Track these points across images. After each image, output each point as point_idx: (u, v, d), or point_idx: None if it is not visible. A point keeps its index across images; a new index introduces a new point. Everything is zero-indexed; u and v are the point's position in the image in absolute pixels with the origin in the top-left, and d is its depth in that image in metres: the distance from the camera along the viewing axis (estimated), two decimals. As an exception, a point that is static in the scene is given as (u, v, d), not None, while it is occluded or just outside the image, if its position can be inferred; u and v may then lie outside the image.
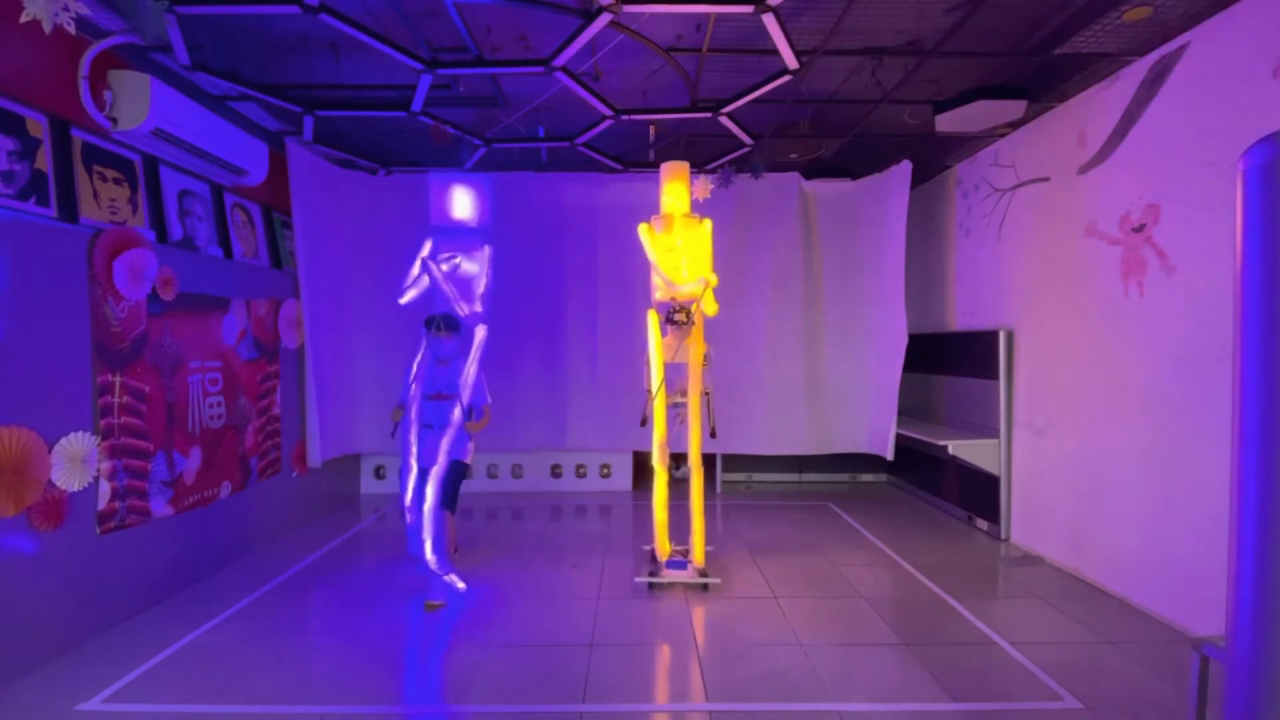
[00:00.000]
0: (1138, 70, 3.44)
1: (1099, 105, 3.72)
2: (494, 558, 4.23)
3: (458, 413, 3.60)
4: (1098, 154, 3.71)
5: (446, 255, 3.79)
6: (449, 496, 3.66)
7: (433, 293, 3.80)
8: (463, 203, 3.89)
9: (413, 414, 3.63)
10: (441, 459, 3.53)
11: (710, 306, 3.77)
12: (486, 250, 3.87)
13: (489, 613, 3.43)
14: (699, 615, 3.36)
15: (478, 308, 3.75)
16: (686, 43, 3.45)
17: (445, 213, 3.88)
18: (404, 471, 3.64)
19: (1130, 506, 3.47)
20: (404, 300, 3.76)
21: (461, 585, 3.64)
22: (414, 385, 3.66)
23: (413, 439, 3.61)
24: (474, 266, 3.83)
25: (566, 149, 5.02)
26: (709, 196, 3.98)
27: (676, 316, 3.67)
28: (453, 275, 3.77)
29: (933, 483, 5.61)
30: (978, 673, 2.77)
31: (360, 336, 5.69)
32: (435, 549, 3.49)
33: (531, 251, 5.83)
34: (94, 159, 3.19)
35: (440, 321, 3.69)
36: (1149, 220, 3.35)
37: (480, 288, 3.79)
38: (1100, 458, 3.70)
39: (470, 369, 3.68)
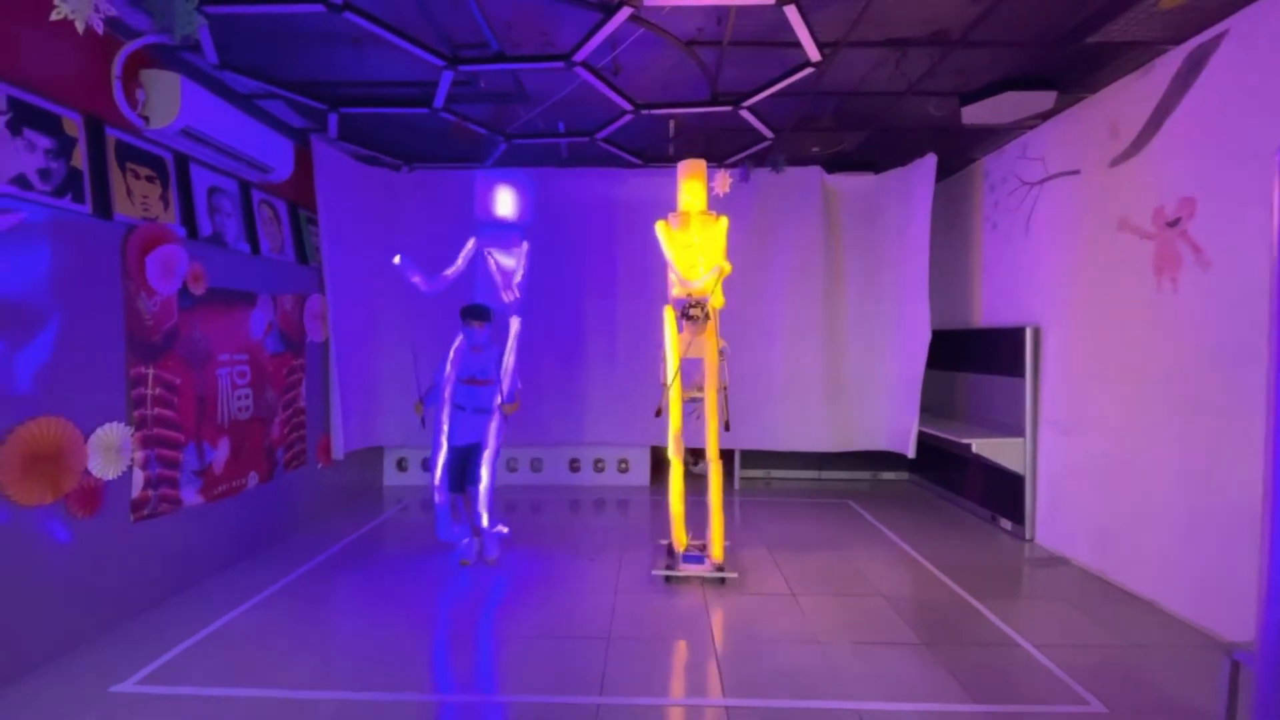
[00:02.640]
0: (1173, 59, 3.34)
1: (1132, 95, 3.61)
2: (513, 551, 4.27)
3: (499, 399, 3.92)
4: (1131, 146, 3.61)
5: (488, 250, 4.25)
6: (493, 479, 3.98)
7: (469, 282, 4.20)
8: (504, 200, 4.45)
9: (446, 395, 3.91)
10: (491, 442, 3.91)
11: (717, 298, 3.76)
12: (524, 246, 4.30)
13: (508, 605, 3.47)
14: (717, 611, 3.36)
15: (516, 294, 4.20)
16: (707, 36, 3.43)
17: (489, 209, 4.48)
18: (435, 449, 3.90)
19: (1161, 508, 3.38)
20: (450, 272, 4.11)
21: (505, 529, 4.17)
22: (449, 369, 3.93)
23: (444, 419, 3.90)
24: (511, 261, 4.25)
25: (586, 144, 5.02)
26: (728, 191, 3.96)
27: (692, 312, 3.71)
28: (489, 264, 4.21)
29: (955, 482, 5.52)
30: (999, 674, 2.73)
31: (383, 331, 5.77)
32: (490, 514, 3.95)
33: (551, 247, 5.84)
34: (127, 157, 3.27)
35: (474, 311, 3.90)
36: (1184, 214, 3.25)
37: (517, 278, 4.21)
38: (1130, 458, 3.61)
39: (509, 358, 3.99)
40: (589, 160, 5.64)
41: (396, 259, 3.95)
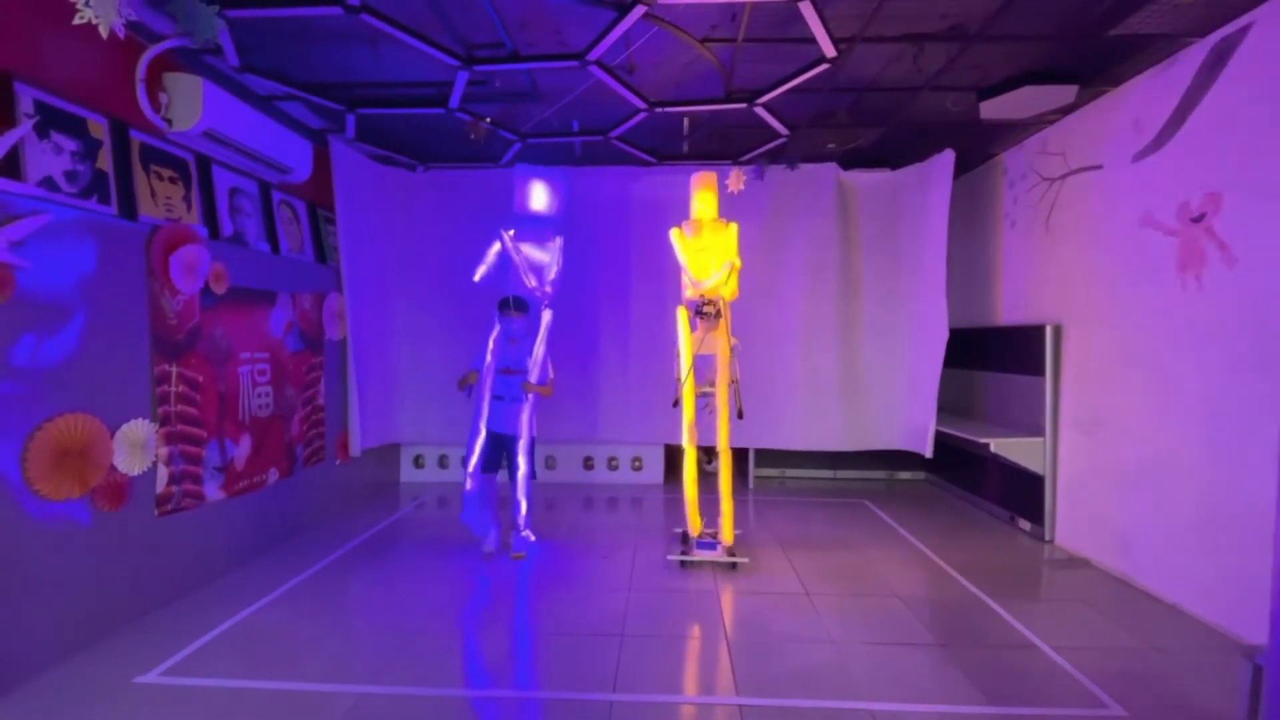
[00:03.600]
0: (1198, 52, 3.27)
1: (1155, 89, 3.54)
2: (529, 548, 4.29)
3: (532, 379, 4.08)
4: (1154, 140, 3.54)
5: (524, 241, 4.35)
6: (532, 467, 4.21)
7: (503, 275, 4.28)
8: (539, 194, 4.47)
9: (486, 385, 4.08)
10: (525, 433, 4.08)
11: (730, 288, 3.94)
12: (558, 240, 4.41)
13: (523, 601, 3.50)
14: (730, 609, 3.36)
15: (548, 289, 4.34)
16: (721, 33, 3.42)
17: (525, 203, 4.48)
18: (472, 434, 4.07)
19: (1183, 509, 3.32)
20: (477, 277, 4.25)
21: (532, 537, 4.28)
22: (489, 359, 4.10)
23: (484, 407, 4.08)
24: (545, 255, 4.35)
25: (600, 143, 5.03)
26: (742, 189, 3.98)
27: (705, 309, 3.89)
28: (523, 256, 4.32)
29: (973, 482, 5.46)
30: (1017, 676, 2.70)
31: (400, 329, 5.83)
32: (527, 509, 4.14)
33: (565, 245, 5.84)
34: (151, 159, 3.34)
35: (512, 303, 4.08)
36: (1209, 209, 3.18)
37: (551, 274, 4.34)
38: (1152, 458, 3.54)
39: (539, 348, 4.15)
40: (603, 159, 5.65)
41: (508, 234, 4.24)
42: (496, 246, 4.26)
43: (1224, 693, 2.54)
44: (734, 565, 3.89)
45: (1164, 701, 2.51)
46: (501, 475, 4.24)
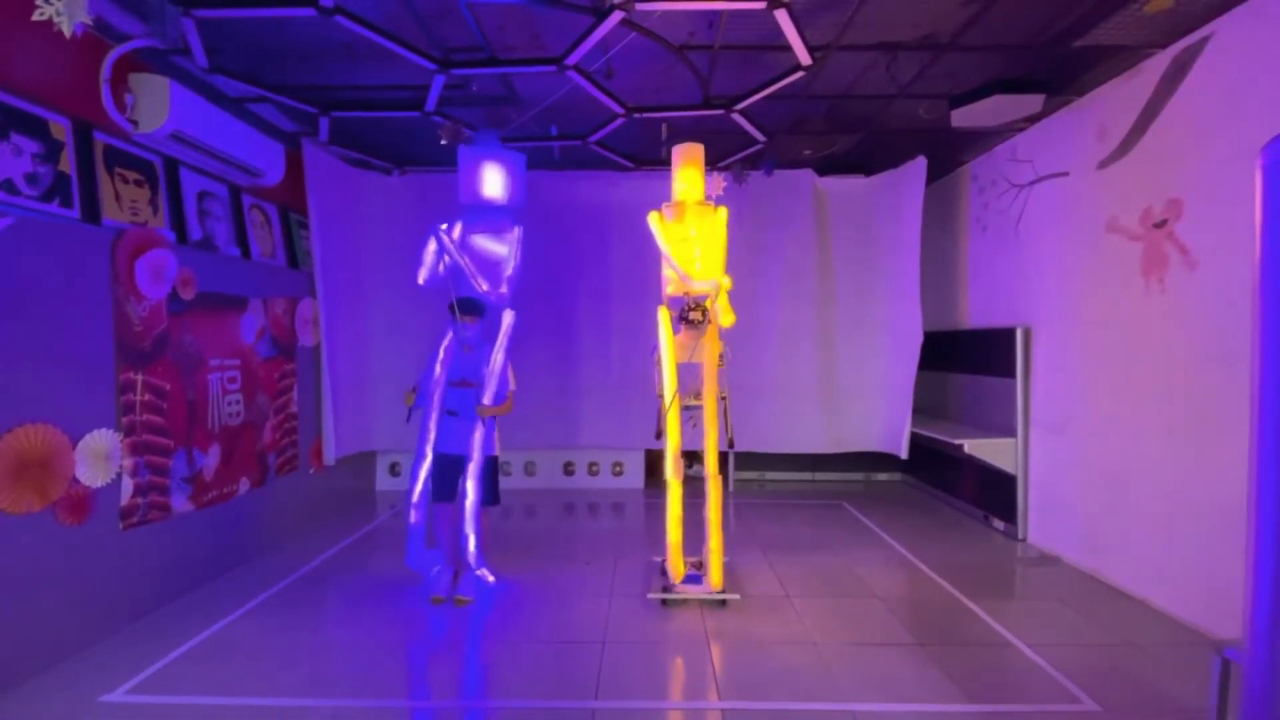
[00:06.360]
0: (1159, 62, 3.38)
1: (1119, 98, 3.65)
2: (508, 554, 4.24)
3: (484, 401, 3.51)
4: (1118, 148, 3.65)
5: (476, 233, 3.76)
6: (490, 492, 3.61)
7: (456, 276, 3.66)
8: (492, 179, 3.74)
9: (435, 400, 3.53)
10: (476, 454, 3.47)
11: (726, 317, 3.54)
12: (517, 231, 3.78)
13: (504, 609, 3.45)
14: (711, 614, 3.35)
15: (503, 289, 3.69)
16: (699, 40, 3.44)
17: (475, 190, 3.73)
18: (418, 459, 3.53)
19: (1151, 506, 3.41)
20: (421, 279, 3.69)
21: (491, 578, 3.65)
22: (439, 370, 3.56)
23: (432, 425, 3.53)
24: (502, 248, 3.74)
25: (579, 147, 5.02)
26: (721, 194, 3.97)
27: (692, 315, 3.41)
28: (476, 252, 3.70)
29: (948, 482, 5.55)
30: (993, 674, 2.74)
31: (375, 335, 5.74)
32: (476, 544, 3.51)
33: (544, 250, 5.83)
34: (116, 161, 3.25)
35: (460, 305, 3.55)
36: (1171, 215, 3.28)
37: (509, 269, 3.72)
38: (1120, 457, 3.64)
39: (498, 356, 3.57)
40: (581, 163, 5.65)
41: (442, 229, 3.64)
42: (432, 245, 3.63)
43: (1194, 686, 2.61)
44: (723, 603, 3.43)
45: (1136, 696, 2.57)
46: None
